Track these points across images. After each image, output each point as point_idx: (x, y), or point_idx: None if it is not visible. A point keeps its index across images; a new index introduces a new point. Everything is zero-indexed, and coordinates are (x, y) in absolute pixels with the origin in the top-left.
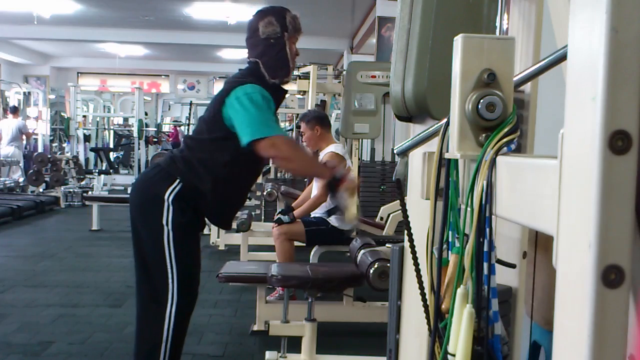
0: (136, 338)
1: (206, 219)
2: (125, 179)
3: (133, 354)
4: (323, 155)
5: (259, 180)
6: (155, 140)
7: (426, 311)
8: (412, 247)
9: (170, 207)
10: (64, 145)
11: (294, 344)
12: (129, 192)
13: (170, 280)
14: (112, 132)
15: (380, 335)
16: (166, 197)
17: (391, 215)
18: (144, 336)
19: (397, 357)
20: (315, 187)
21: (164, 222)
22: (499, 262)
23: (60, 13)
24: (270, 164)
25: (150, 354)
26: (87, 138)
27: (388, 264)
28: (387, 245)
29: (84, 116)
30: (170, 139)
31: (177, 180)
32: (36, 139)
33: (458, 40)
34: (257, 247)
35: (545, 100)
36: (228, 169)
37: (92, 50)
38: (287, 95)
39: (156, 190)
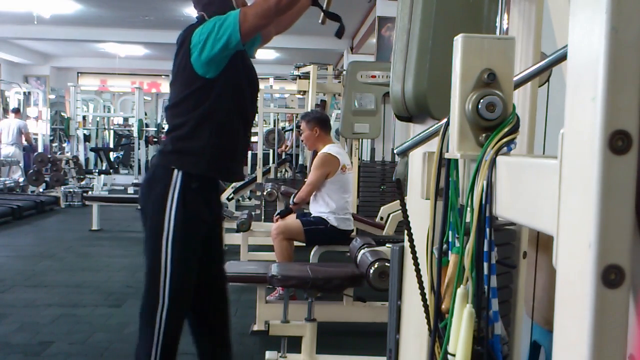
0: (137, 341)
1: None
2: (125, 179)
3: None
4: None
5: (259, 180)
6: (155, 140)
7: (426, 311)
8: (412, 247)
9: (174, 205)
10: (64, 145)
11: (294, 344)
12: (129, 192)
13: (162, 284)
14: (112, 132)
15: (380, 335)
16: (170, 194)
17: (391, 215)
18: (140, 340)
19: (397, 357)
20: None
21: (166, 221)
22: (499, 262)
23: (60, 13)
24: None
25: (146, 358)
26: (87, 138)
27: (388, 264)
28: (387, 245)
29: (84, 116)
30: None
31: (175, 171)
32: (36, 139)
33: (458, 40)
34: (257, 247)
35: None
36: (213, 117)
37: (92, 50)
38: (286, 95)
39: (159, 190)
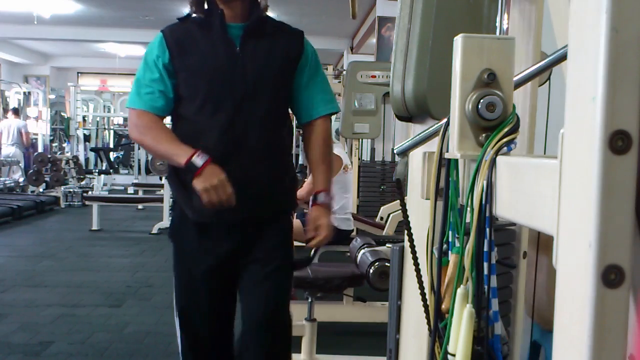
0: None
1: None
2: (125, 179)
3: None
4: None
5: None
6: None
7: (426, 311)
8: (412, 247)
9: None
10: (64, 145)
11: (294, 344)
12: (129, 192)
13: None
14: (112, 132)
15: (380, 335)
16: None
17: (391, 215)
18: None
19: (397, 357)
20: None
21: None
22: (499, 262)
23: (60, 13)
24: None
25: None
26: (87, 138)
27: (388, 264)
28: (387, 245)
29: (84, 116)
30: None
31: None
32: (36, 139)
33: (458, 40)
34: None
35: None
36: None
37: (92, 50)
38: None
39: None
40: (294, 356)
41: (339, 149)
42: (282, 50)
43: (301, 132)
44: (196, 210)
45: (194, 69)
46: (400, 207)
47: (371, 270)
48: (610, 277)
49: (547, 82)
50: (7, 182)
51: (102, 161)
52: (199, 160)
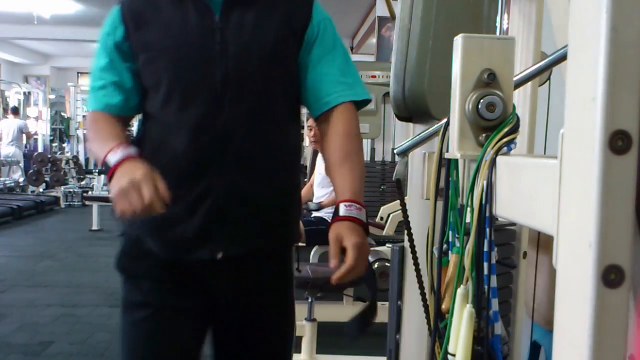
0: None
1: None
2: None
3: None
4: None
5: None
6: None
7: (426, 311)
8: (412, 247)
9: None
10: (64, 145)
11: (294, 343)
12: None
13: None
14: None
15: (380, 335)
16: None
17: (391, 215)
18: None
19: (397, 357)
20: (317, 183)
21: None
22: (499, 262)
23: (60, 13)
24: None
25: None
26: (87, 138)
27: (388, 264)
28: (387, 245)
29: (84, 116)
30: None
31: None
32: (36, 139)
33: (458, 40)
34: None
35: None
36: (146, 138)
37: (92, 50)
38: None
39: None
40: (295, 356)
41: None
42: (281, 19)
43: (309, 126)
44: (167, 242)
45: (155, 46)
46: (400, 207)
47: None
48: (610, 277)
49: (547, 82)
50: (7, 182)
51: None
52: (114, 156)
